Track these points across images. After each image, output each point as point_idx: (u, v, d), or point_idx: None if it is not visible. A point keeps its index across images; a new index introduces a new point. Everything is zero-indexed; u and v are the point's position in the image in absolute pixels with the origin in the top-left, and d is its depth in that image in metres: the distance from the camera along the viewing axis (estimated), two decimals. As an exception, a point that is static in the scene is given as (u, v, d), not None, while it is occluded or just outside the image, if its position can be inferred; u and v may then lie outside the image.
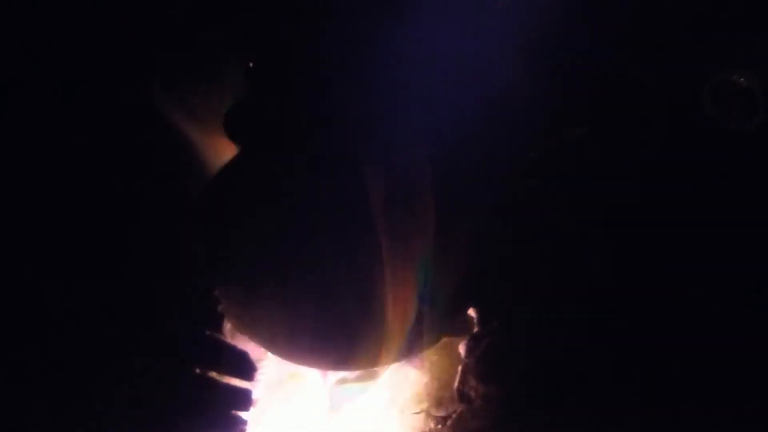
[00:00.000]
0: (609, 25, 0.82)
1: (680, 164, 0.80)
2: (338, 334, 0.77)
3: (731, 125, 0.76)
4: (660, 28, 0.81)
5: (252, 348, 0.83)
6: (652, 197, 0.80)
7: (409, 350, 0.82)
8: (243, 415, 0.77)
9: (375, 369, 0.90)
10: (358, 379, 0.91)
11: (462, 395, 0.84)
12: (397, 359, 0.85)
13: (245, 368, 0.79)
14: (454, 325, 0.84)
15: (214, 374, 0.78)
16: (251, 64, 0.82)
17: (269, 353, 0.84)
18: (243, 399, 0.77)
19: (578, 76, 0.83)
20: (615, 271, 0.81)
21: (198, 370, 0.77)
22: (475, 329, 0.86)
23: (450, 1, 0.81)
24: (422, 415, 0.89)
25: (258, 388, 0.86)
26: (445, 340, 0.89)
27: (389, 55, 0.77)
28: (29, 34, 0.77)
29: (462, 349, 0.86)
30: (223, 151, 0.83)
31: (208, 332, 0.79)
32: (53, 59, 0.78)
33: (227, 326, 0.84)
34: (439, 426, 0.87)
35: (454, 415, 0.85)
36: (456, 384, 0.85)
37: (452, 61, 0.80)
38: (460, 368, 0.85)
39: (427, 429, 0.87)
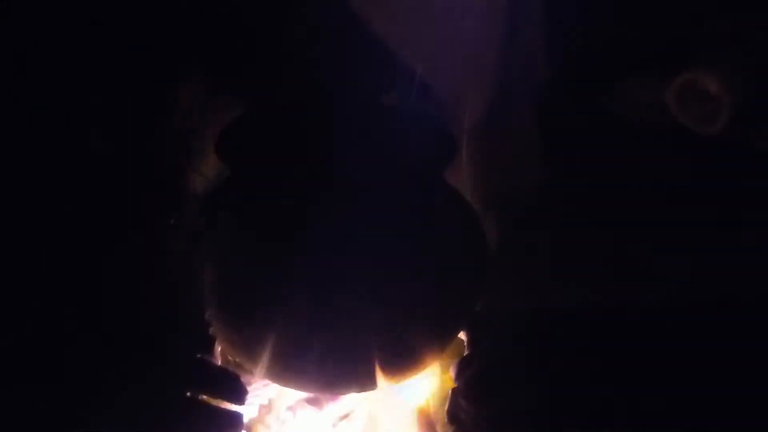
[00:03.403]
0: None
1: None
2: (328, 357, 0.77)
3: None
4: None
5: (243, 371, 0.83)
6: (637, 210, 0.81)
7: (400, 373, 0.82)
8: (234, 438, 0.77)
9: (365, 392, 0.90)
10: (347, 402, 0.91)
11: (453, 418, 0.84)
12: (388, 382, 0.85)
13: (236, 391, 0.78)
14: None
15: (204, 397, 0.77)
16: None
17: (260, 376, 0.84)
18: (234, 422, 0.77)
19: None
20: (605, 290, 0.82)
21: (189, 393, 0.76)
22: (466, 351, 0.86)
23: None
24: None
25: (249, 411, 0.85)
26: (436, 362, 0.89)
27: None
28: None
29: (453, 371, 0.86)
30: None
31: (199, 355, 0.78)
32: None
33: (218, 349, 0.84)
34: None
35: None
36: (446, 406, 0.85)
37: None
38: (450, 390, 0.85)
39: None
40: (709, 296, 0.80)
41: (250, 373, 0.87)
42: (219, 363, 0.85)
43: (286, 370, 0.79)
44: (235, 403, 0.78)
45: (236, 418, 0.77)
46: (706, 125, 0.72)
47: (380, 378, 0.81)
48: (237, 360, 0.86)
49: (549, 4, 0.83)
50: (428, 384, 0.93)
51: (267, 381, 0.86)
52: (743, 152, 0.78)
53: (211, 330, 0.80)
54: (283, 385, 0.82)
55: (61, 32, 0.78)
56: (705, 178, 0.81)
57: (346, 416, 0.91)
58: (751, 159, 0.78)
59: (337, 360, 0.77)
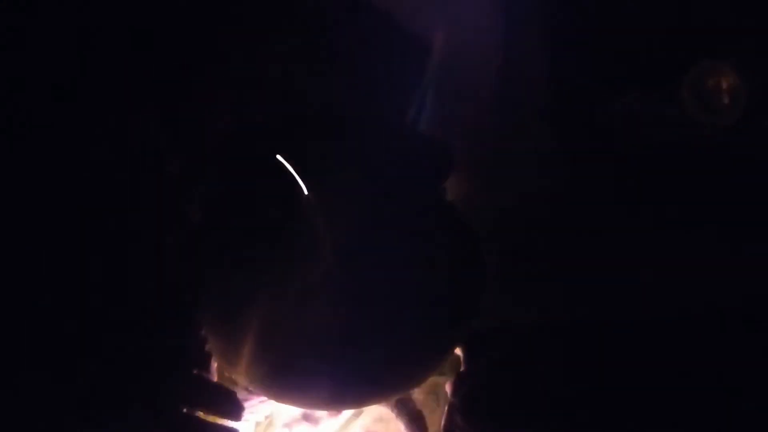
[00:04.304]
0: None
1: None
2: (324, 374, 0.77)
3: (707, 120, 0.76)
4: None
5: (239, 387, 0.83)
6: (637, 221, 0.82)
7: (396, 389, 0.82)
8: (229, 454, 0.77)
9: (361, 408, 0.90)
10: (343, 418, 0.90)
11: (449, 434, 0.84)
12: (385, 399, 0.86)
13: (233, 407, 0.78)
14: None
15: (201, 414, 0.77)
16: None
17: (255, 392, 0.84)
18: (230, 439, 0.77)
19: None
20: (602, 306, 0.82)
21: (185, 410, 0.76)
22: (462, 367, 0.86)
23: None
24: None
25: (245, 427, 0.85)
26: (431, 379, 0.89)
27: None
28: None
29: (448, 388, 0.86)
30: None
31: (195, 371, 0.78)
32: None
33: (214, 365, 0.84)
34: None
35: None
36: (443, 423, 0.85)
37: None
38: (446, 407, 0.85)
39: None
40: (708, 309, 0.81)
41: (247, 389, 0.87)
42: (215, 379, 0.85)
43: (283, 387, 0.79)
44: (232, 420, 0.78)
45: (233, 434, 0.77)
46: (720, 117, 0.72)
47: (376, 394, 0.81)
48: (233, 376, 0.86)
49: (550, 9, 0.84)
50: (424, 399, 0.93)
51: (263, 397, 0.86)
52: (744, 160, 0.79)
53: (208, 346, 0.80)
54: (280, 401, 0.82)
55: (51, 32, 0.78)
56: (705, 191, 0.82)
57: (342, 432, 0.91)
58: (752, 167, 0.79)
59: (333, 376, 0.77)
